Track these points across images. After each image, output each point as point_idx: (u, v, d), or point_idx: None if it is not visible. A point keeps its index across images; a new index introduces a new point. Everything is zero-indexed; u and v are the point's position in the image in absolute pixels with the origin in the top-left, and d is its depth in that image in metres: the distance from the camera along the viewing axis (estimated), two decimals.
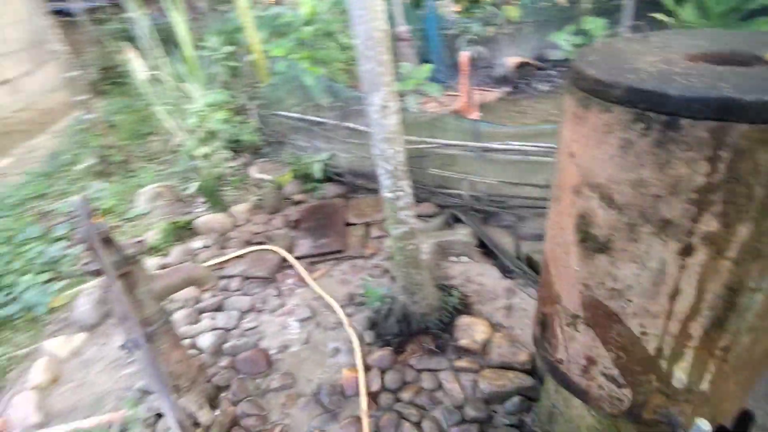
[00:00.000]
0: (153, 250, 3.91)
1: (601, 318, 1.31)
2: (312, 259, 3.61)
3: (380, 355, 2.61)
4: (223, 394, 2.61)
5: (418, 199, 3.94)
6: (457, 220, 3.73)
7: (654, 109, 0.98)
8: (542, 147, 3.18)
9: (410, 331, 2.67)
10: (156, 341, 2.04)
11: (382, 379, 2.51)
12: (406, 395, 2.42)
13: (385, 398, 2.43)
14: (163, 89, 4.45)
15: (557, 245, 1.40)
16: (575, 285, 1.35)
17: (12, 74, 6.84)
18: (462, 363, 2.53)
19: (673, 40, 1.32)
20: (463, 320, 2.71)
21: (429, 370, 2.54)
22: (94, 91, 6.38)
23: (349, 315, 2.99)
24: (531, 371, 2.43)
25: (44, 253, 3.99)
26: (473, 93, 5.12)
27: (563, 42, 4.83)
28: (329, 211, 4.11)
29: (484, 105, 5.52)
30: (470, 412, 2.28)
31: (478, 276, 3.16)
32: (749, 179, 0.92)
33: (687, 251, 1.06)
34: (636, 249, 1.14)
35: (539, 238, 3.31)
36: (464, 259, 3.32)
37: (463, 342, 2.60)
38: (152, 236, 3.99)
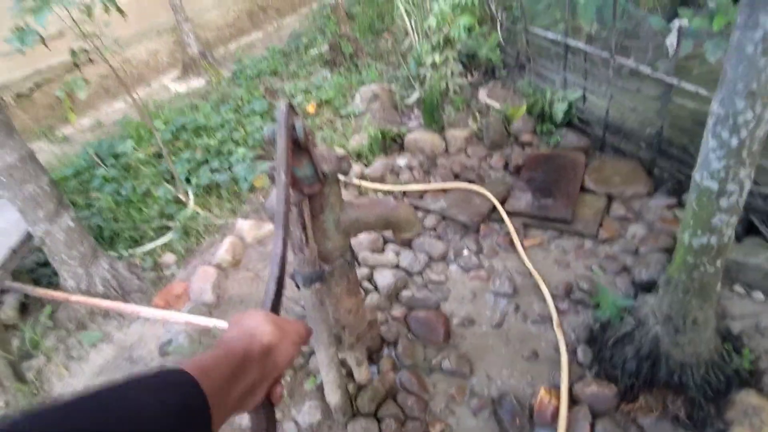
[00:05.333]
0: (356, 155, 3.62)
1: None
2: (527, 220, 2.88)
3: (597, 391, 1.87)
4: (386, 351, 2.21)
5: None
6: (750, 231, 2.54)
7: None
8: None
9: (653, 377, 1.83)
10: (330, 282, 1.64)
11: (593, 427, 1.80)
12: None
13: None
14: None
15: None
16: None
17: None
18: None
19: None
20: (746, 398, 1.75)
21: None
22: None
23: (561, 312, 2.26)
24: None
25: (261, 130, 4.03)
26: None
27: None
28: (563, 165, 3.24)
29: None
30: None
31: None
32: None
33: None
34: None
35: None
36: (758, 296, 2.23)
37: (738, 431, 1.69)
38: (358, 140, 3.69)
